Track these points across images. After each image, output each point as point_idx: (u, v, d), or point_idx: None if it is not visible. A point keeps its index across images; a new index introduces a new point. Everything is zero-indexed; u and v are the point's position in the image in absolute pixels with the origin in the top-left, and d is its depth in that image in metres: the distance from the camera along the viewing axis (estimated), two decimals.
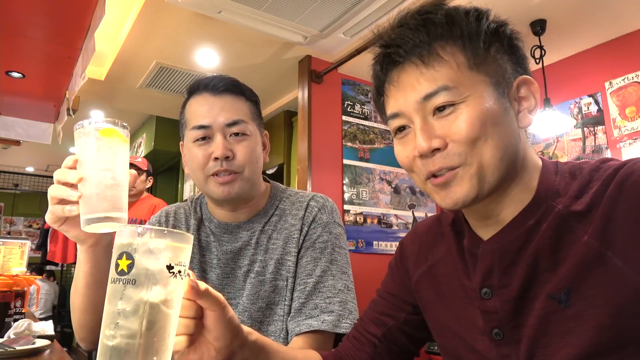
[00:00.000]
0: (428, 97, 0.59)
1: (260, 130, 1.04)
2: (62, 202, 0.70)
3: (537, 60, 2.59)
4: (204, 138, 0.96)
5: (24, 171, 6.76)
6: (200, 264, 1.03)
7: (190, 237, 0.50)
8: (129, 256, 0.46)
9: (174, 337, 0.49)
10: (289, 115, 3.71)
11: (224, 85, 0.98)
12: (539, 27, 2.44)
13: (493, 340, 0.63)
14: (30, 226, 7.45)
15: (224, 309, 0.55)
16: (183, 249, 0.49)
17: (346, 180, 2.92)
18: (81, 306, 0.86)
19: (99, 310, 0.74)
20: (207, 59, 2.94)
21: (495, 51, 0.62)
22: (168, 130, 4.29)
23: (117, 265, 0.47)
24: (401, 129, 0.64)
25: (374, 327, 0.81)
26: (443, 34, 0.61)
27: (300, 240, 1.00)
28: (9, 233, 7.01)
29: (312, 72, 2.87)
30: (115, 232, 0.52)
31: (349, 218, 2.87)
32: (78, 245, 0.80)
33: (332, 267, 0.98)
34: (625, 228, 0.53)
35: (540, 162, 0.65)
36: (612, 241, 0.54)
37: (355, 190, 2.94)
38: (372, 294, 0.87)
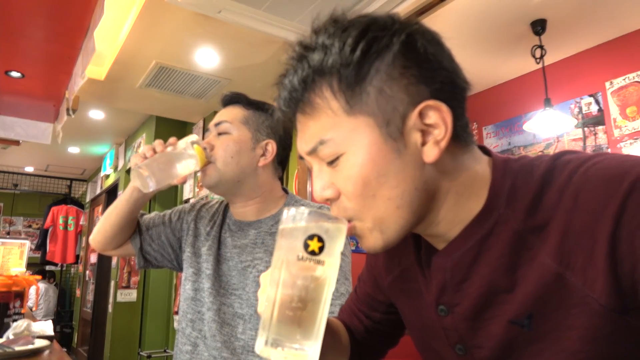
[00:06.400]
0: (310, 153, 0.55)
1: (257, 136, 1.13)
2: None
3: (538, 60, 2.59)
4: None
5: (23, 171, 6.75)
6: (216, 256, 1.11)
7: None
8: (320, 239, 0.48)
9: None
10: None
11: (227, 98, 1.18)
12: (539, 27, 2.44)
13: (457, 355, 0.60)
14: (30, 226, 7.44)
15: None
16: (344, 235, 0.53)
17: None
18: (114, 220, 1.13)
19: (122, 226, 1.14)
20: (207, 59, 2.94)
21: (382, 80, 0.51)
22: (168, 130, 4.28)
23: (306, 245, 0.48)
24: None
25: (357, 321, 0.80)
26: (315, 77, 0.53)
27: None
28: (8, 233, 7.01)
29: None
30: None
31: None
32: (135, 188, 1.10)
33: None
34: (582, 245, 0.48)
35: (489, 169, 0.57)
36: (569, 260, 0.48)
37: None
38: None
